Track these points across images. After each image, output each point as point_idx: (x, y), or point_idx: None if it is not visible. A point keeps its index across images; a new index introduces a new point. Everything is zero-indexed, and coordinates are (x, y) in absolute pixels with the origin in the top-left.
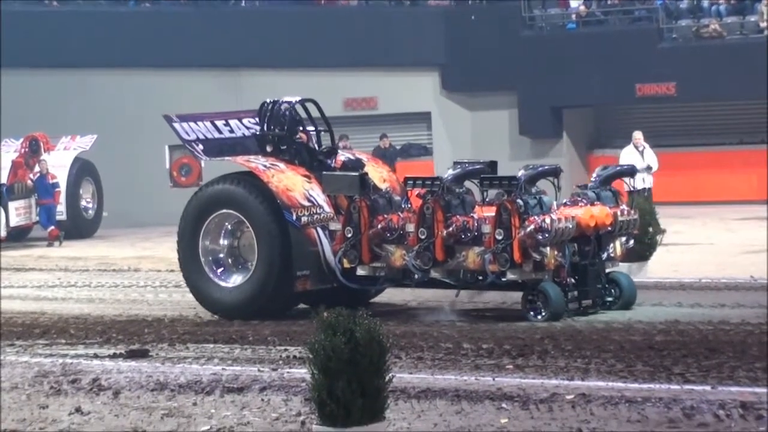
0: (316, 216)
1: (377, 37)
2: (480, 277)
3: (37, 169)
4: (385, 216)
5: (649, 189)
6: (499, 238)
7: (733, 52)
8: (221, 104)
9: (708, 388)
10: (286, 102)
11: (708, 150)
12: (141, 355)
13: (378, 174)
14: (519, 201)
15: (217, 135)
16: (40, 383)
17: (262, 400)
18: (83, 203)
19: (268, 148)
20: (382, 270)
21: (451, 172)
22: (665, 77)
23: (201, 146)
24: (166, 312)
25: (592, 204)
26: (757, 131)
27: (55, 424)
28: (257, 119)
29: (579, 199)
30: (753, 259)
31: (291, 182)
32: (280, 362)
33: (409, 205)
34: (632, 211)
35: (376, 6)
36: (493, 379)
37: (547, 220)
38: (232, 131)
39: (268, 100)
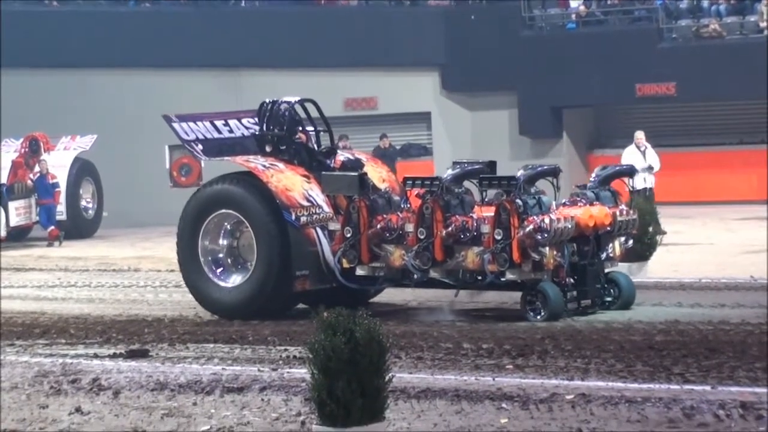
0: (315, 216)
1: (377, 37)
2: (479, 277)
3: (37, 169)
4: (385, 216)
5: (651, 189)
6: (498, 238)
7: (733, 52)
8: (221, 104)
9: (708, 388)
10: (285, 102)
11: (708, 150)
12: (141, 355)
13: (377, 174)
14: (518, 201)
15: (216, 135)
16: (40, 383)
17: (262, 400)
18: (83, 203)
19: (268, 148)
20: (382, 270)
21: (450, 172)
22: (665, 77)
23: (200, 146)
24: (166, 312)
25: (591, 204)
26: (757, 131)
27: (55, 424)
28: (256, 119)
29: (578, 199)
30: (753, 259)
31: (290, 182)
32: (280, 362)
33: (409, 205)
34: (631, 211)
35: (376, 6)
36: (493, 379)
37: (546, 220)
38: (231, 131)
39: (267, 100)
